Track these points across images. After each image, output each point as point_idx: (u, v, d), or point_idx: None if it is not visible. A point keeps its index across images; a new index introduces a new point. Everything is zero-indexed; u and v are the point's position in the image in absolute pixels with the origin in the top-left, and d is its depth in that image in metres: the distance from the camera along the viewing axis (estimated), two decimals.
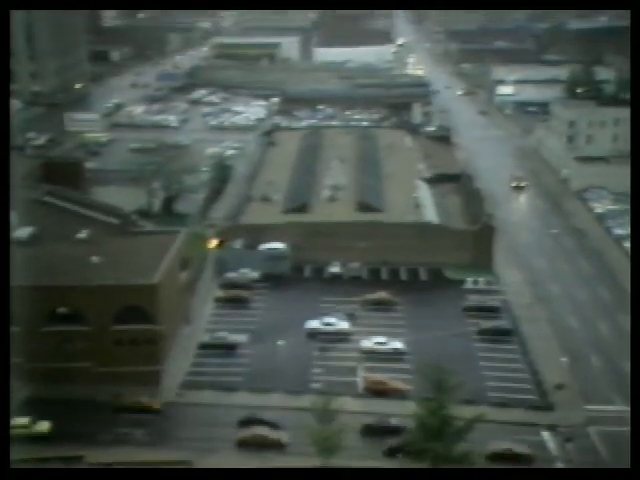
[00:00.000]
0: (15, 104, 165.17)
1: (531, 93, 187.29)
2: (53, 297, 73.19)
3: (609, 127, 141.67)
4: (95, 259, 78.36)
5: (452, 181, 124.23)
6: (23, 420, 64.71)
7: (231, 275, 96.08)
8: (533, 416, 69.09)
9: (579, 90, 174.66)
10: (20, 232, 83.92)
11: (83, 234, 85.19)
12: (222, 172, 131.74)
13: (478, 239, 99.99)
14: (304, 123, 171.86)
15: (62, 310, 73.46)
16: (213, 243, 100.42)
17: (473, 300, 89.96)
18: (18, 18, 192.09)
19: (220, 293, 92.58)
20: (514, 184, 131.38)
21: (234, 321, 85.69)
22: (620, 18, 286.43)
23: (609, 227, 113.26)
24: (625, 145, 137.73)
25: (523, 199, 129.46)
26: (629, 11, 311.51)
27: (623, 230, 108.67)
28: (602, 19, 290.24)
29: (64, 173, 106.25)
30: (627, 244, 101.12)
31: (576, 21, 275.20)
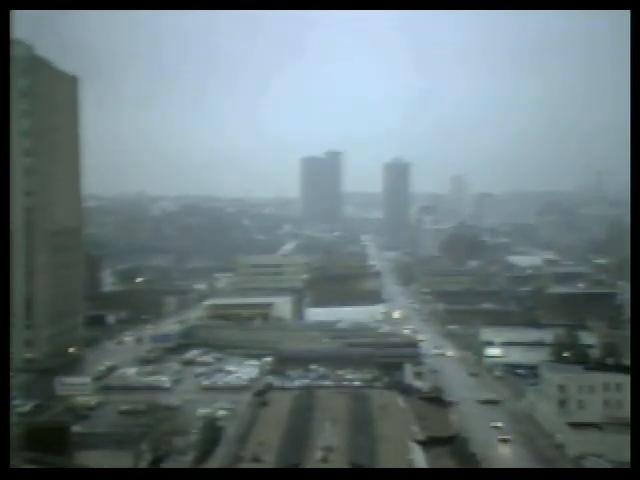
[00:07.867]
0: None
1: (519, 355, 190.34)
2: None
3: (599, 392, 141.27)
4: None
5: (446, 444, 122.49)
6: None
7: None
8: None
9: (565, 354, 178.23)
10: None
11: None
12: (212, 433, 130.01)
13: None
14: (297, 383, 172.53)
15: None
16: None
17: None
18: (21, 262, 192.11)
19: None
20: None
21: None
22: (598, 285, 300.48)
23: None
24: (616, 411, 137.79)
25: (519, 463, 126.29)
26: (603, 279, 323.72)
27: None
28: (580, 285, 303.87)
29: (48, 439, 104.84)
30: None
31: (557, 286, 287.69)
